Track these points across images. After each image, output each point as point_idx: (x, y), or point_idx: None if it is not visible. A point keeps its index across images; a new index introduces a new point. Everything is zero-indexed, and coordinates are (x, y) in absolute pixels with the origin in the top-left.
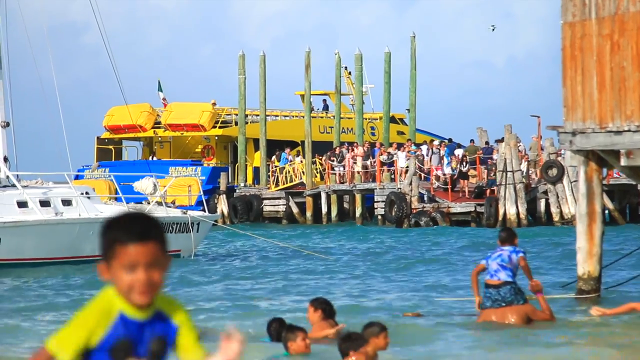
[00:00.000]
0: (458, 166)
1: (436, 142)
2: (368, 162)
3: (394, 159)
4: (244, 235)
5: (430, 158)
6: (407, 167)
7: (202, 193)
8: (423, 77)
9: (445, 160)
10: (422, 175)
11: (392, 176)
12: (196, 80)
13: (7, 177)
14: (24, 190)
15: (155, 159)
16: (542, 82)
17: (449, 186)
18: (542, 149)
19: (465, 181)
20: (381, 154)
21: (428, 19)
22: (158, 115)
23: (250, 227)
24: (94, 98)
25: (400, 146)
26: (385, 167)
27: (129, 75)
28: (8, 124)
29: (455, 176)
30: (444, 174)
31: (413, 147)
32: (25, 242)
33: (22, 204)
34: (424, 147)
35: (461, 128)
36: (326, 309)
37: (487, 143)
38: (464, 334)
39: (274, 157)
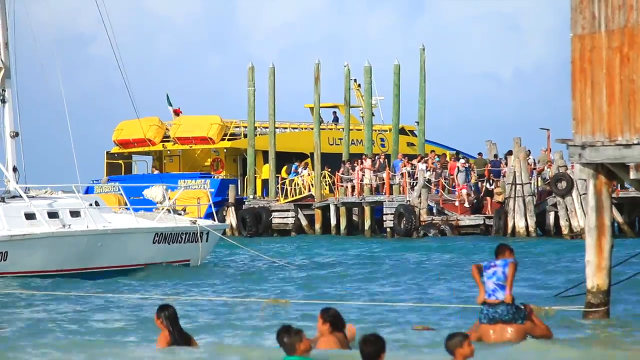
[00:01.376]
0: (483, 184)
1: (462, 161)
2: (420, 174)
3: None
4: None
5: (457, 176)
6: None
7: (212, 204)
8: (431, 88)
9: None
10: (440, 187)
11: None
12: (203, 92)
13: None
14: (31, 202)
15: (156, 172)
16: (549, 94)
17: (469, 205)
18: (551, 162)
19: (491, 199)
20: (404, 166)
21: (436, 31)
22: (167, 128)
23: (259, 239)
24: (103, 111)
25: (422, 158)
26: (403, 179)
27: (136, 88)
28: (17, 134)
29: (482, 194)
30: (470, 194)
31: (437, 159)
32: (33, 255)
33: (29, 216)
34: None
35: (469, 140)
36: (334, 322)
37: (495, 156)
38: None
39: (283, 169)
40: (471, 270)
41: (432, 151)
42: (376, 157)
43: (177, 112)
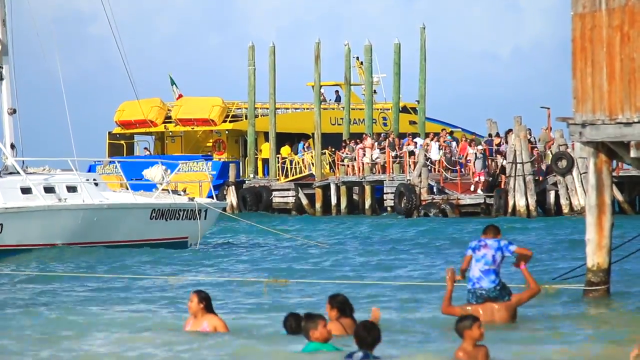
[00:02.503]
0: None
1: (480, 147)
2: (420, 153)
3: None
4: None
5: (474, 163)
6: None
7: (212, 188)
8: (431, 66)
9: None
10: (441, 166)
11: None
12: (203, 71)
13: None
14: (27, 177)
15: (147, 153)
16: (549, 73)
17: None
18: (552, 140)
19: (505, 176)
20: (408, 144)
21: (435, 9)
22: (169, 110)
23: (258, 217)
24: (105, 91)
25: (435, 136)
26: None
27: (137, 68)
28: (15, 111)
29: (498, 171)
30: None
31: (449, 137)
32: (28, 228)
33: (25, 190)
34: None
35: (470, 118)
36: (342, 308)
37: (497, 135)
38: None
39: (282, 149)
40: (446, 276)
41: (443, 129)
42: (383, 135)
43: (179, 96)
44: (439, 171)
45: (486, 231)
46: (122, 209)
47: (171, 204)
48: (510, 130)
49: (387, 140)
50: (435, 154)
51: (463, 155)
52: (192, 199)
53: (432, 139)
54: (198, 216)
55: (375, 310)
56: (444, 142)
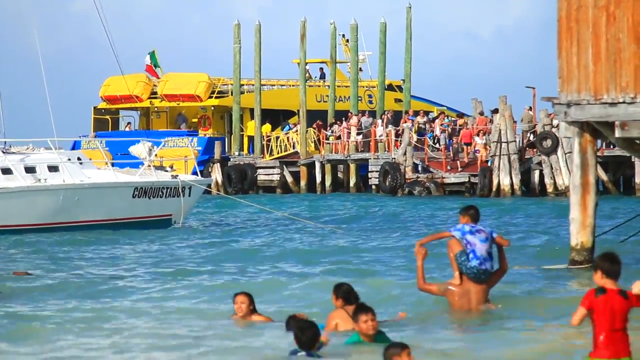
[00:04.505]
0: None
1: (494, 140)
2: (391, 129)
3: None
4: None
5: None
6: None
7: (196, 165)
8: (416, 45)
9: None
10: (425, 145)
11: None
12: (188, 49)
13: None
14: (6, 157)
15: (128, 129)
16: (532, 53)
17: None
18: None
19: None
20: (404, 122)
21: None
22: (154, 85)
23: (245, 196)
24: (89, 67)
25: (441, 114)
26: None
27: (121, 44)
28: None
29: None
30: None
31: (446, 120)
32: (9, 209)
33: (6, 171)
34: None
35: (455, 97)
36: (346, 298)
37: (481, 113)
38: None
39: (264, 126)
40: (415, 250)
41: (442, 112)
42: (386, 113)
43: (153, 73)
44: (441, 150)
45: (471, 216)
46: (103, 188)
47: (154, 182)
48: (496, 109)
49: (385, 117)
50: (438, 132)
51: (468, 143)
52: (175, 177)
53: (436, 117)
54: (182, 194)
55: (402, 314)
56: (441, 125)
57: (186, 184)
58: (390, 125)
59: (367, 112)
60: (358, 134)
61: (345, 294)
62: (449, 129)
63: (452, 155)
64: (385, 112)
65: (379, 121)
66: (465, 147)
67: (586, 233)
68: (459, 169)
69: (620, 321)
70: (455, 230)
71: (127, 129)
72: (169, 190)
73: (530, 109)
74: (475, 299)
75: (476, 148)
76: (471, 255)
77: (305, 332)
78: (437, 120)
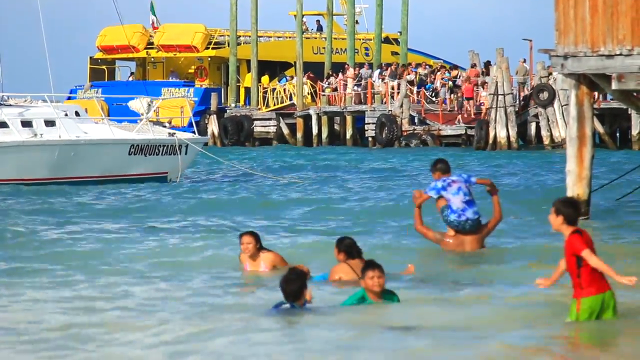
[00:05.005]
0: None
1: (490, 93)
2: (395, 83)
3: (434, 82)
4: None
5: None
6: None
7: (192, 116)
8: None
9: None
10: (422, 97)
11: (384, 98)
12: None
13: None
14: (2, 110)
15: (131, 79)
16: (528, 5)
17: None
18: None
19: None
20: (408, 74)
21: None
22: (151, 36)
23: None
24: (86, 17)
25: (442, 68)
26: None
27: None
28: None
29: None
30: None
31: (447, 75)
32: (4, 163)
33: (2, 125)
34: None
35: (451, 51)
36: (349, 252)
37: (473, 65)
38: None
39: (263, 78)
40: (413, 196)
41: (443, 67)
42: (391, 65)
43: (153, 27)
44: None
45: (444, 169)
46: (99, 145)
47: (151, 140)
48: (489, 62)
49: (389, 69)
50: (439, 85)
51: (470, 98)
52: (172, 134)
53: (435, 73)
54: (178, 151)
55: (411, 266)
56: (442, 79)
57: (183, 142)
58: (387, 77)
59: (366, 64)
60: (357, 85)
61: (348, 247)
62: (450, 83)
63: (456, 108)
64: (389, 65)
65: (376, 72)
66: (466, 101)
67: (582, 185)
68: (461, 123)
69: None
70: (430, 190)
71: (130, 79)
72: (165, 148)
73: (525, 61)
74: (469, 249)
75: (481, 101)
76: (448, 211)
77: (291, 284)
78: (438, 74)
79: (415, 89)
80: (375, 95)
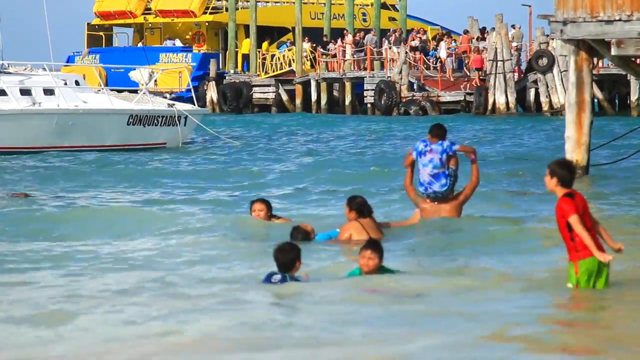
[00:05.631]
0: None
1: (489, 59)
2: (401, 49)
3: (438, 50)
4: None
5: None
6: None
7: (190, 83)
8: None
9: None
10: (421, 63)
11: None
12: None
13: None
14: (1, 79)
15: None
16: None
17: None
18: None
19: None
20: (412, 39)
21: None
22: (148, 1)
23: (241, 115)
24: None
25: (445, 36)
26: (415, 54)
27: None
28: None
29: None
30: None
31: (453, 44)
32: (2, 131)
33: (1, 92)
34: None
35: (451, 17)
36: (360, 210)
37: (465, 32)
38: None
39: (264, 44)
40: (406, 158)
41: (449, 36)
42: (392, 30)
43: None
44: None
45: (434, 134)
46: (98, 114)
47: (150, 110)
48: (484, 28)
49: (393, 36)
50: (443, 53)
51: (479, 68)
52: (171, 105)
53: (437, 42)
54: (177, 122)
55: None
56: (448, 49)
57: (182, 113)
58: (387, 43)
59: (372, 31)
60: (360, 51)
61: (359, 206)
62: (456, 52)
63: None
64: (394, 31)
65: (346, 38)
66: (477, 72)
67: (581, 151)
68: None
69: (589, 219)
70: (414, 151)
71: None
72: (164, 119)
73: (520, 27)
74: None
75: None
76: (418, 181)
77: (283, 254)
78: (443, 43)
79: (418, 55)
80: (375, 62)
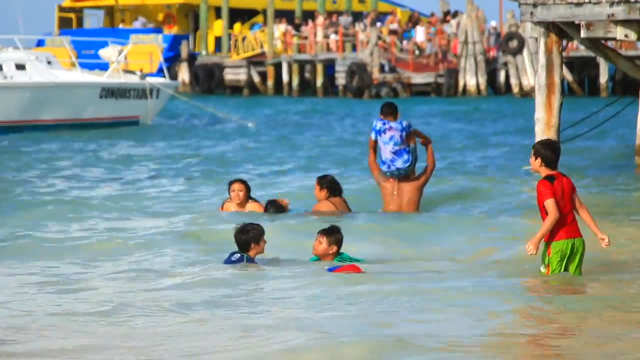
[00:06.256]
0: None
1: (460, 41)
2: (372, 31)
3: (412, 35)
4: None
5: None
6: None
7: (162, 61)
8: None
9: None
10: (392, 45)
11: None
12: None
13: None
14: None
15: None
16: None
17: None
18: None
19: None
20: (391, 22)
21: None
22: None
23: (212, 97)
24: None
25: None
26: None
27: None
28: None
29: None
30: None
31: (432, 29)
32: None
33: None
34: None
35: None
36: (331, 188)
37: (432, 14)
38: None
39: (235, 25)
40: (369, 162)
41: (429, 22)
42: (365, 13)
43: None
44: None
45: (386, 112)
46: (70, 88)
47: (122, 83)
48: (449, 11)
49: (369, 17)
50: (420, 36)
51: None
52: (143, 78)
53: (413, 26)
54: (149, 95)
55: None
56: (428, 34)
57: (154, 86)
58: (362, 25)
59: (346, 12)
60: (335, 33)
61: (330, 184)
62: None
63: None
64: (368, 13)
65: (317, 20)
66: (455, 58)
67: (551, 133)
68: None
69: (569, 202)
70: (372, 132)
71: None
72: (136, 91)
73: (483, 11)
74: (406, 198)
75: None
76: (379, 160)
77: (240, 234)
78: (420, 28)
79: (395, 38)
80: (346, 44)
